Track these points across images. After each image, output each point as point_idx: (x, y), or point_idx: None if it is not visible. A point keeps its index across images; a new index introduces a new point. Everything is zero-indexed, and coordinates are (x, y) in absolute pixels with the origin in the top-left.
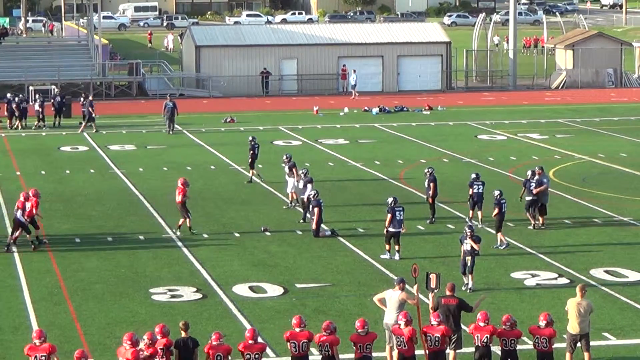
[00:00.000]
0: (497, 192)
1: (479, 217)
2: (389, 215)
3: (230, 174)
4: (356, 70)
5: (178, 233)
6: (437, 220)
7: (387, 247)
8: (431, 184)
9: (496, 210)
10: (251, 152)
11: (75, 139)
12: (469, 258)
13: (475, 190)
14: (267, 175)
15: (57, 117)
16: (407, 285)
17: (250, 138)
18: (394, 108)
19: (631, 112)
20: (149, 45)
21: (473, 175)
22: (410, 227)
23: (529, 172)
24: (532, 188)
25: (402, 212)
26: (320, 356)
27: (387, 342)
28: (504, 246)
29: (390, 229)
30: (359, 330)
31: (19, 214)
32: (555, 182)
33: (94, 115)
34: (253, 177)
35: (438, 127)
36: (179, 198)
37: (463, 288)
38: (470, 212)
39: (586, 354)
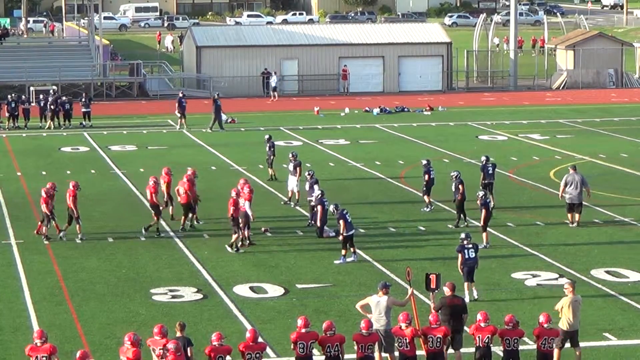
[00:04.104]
0: (481, 193)
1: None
2: (342, 222)
3: (231, 175)
4: (277, 72)
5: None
6: (437, 220)
7: (344, 252)
8: (460, 186)
9: (484, 212)
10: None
11: (76, 139)
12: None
13: (432, 176)
14: (267, 175)
15: (54, 119)
16: (409, 288)
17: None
18: (394, 108)
19: (632, 112)
20: (159, 46)
21: (425, 162)
22: (410, 228)
23: (484, 158)
24: (490, 172)
25: (348, 214)
26: (324, 356)
27: (376, 349)
28: (487, 246)
29: (346, 234)
30: (364, 331)
31: (247, 205)
32: (556, 183)
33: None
34: (272, 176)
35: (439, 127)
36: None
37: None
38: (426, 197)
39: (577, 350)
